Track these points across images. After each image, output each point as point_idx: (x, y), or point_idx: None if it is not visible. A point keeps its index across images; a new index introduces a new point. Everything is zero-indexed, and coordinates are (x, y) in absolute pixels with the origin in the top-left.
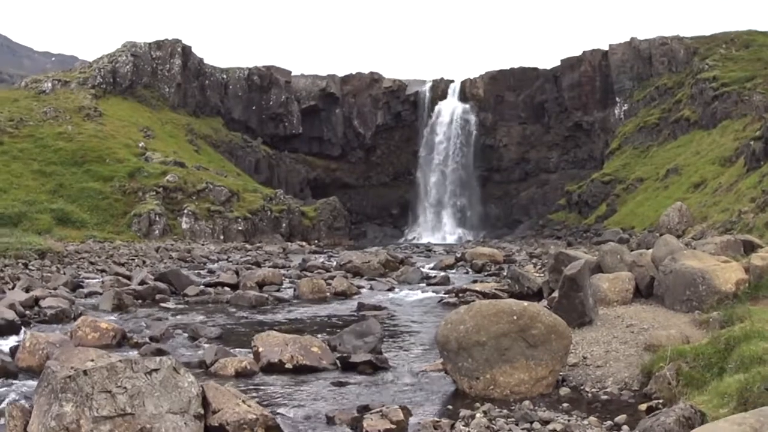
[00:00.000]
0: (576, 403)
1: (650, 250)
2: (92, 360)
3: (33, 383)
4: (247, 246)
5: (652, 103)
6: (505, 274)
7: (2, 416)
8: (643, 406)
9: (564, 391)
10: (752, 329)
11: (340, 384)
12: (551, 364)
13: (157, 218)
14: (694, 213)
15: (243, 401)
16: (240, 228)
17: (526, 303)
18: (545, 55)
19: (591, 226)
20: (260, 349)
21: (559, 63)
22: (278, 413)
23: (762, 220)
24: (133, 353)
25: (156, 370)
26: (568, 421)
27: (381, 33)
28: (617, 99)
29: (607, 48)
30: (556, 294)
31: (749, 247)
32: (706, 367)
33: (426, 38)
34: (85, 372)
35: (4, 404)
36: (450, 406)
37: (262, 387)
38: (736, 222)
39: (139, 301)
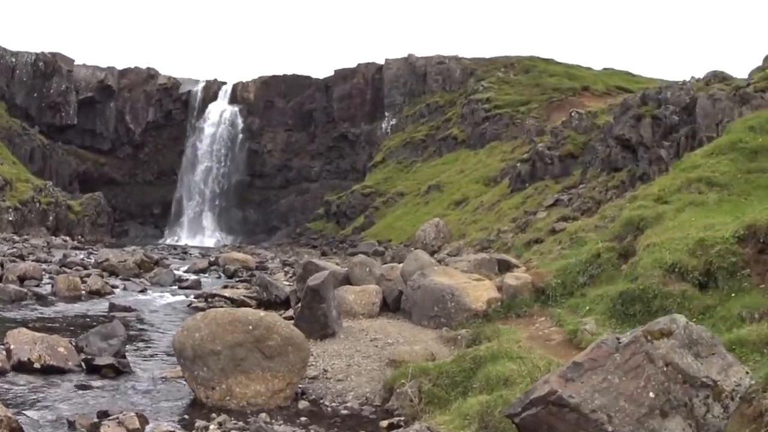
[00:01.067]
0: (315, 417)
1: (401, 264)
2: None
3: None
4: (15, 237)
5: (421, 119)
6: (255, 280)
7: None
8: (384, 423)
9: (303, 404)
10: (499, 349)
11: (84, 387)
12: (288, 376)
13: None
14: (453, 230)
15: None
16: (10, 218)
17: (263, 312)
18: (321, 66)
19: (348, 237)
20: (12, 347)
21: (332, 73)
22: (23, 414)
23: (521, 240)
24: None
25: None
26: None
27: (162, 28)
28: (386, 113)
29: (382, 62)
30: (300, 304)
31: (504, 266)
32: (450, 385)
33: (204, 38)
34: None
35: None
36: (187, 416)
37: (11, 386)
38: (495, 241)
39: None
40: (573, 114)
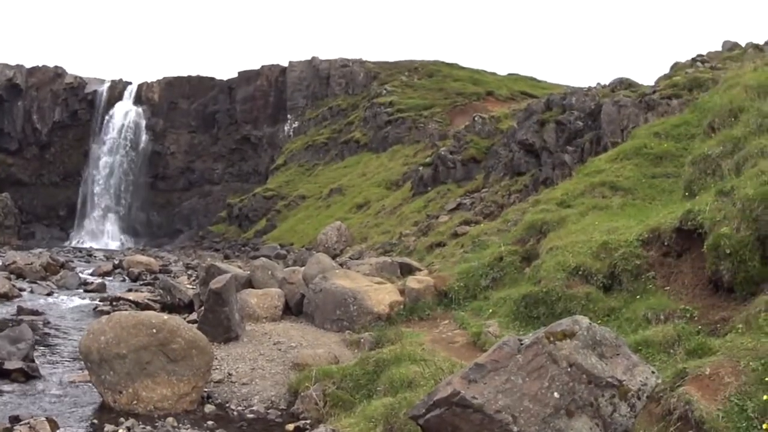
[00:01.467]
0: (222, 421)
1: (303, 268)
2: None
3: None
4: None
5: (323, 122)
6: (158, 284)
7: None
8: (290, 427)
9: (209, 408)
10: (402, 352)
11: None
12: (194, 380)
13: None
14: (355, 233)
15: None
16: None
17: (166, 316)
18: (225, 67)
19: (250, 240)
20: None
21: (236, 75)
22: None
23: (423, 244)
24: None
25: None
26: None
27: (70, 26)
28: (289, 116)
29: (286, 65)
30: (203, 308)
31: (407, 270)
32: (354, 388)
33: (112, 38)
34: None
35: None
36: (96, 420)
37: None
38: (397, 244)
39: None
40: (476, 118)
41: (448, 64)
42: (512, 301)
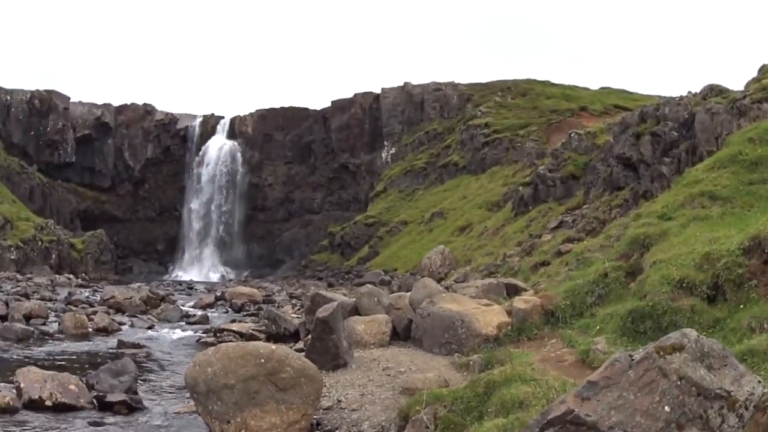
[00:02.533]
0: None
1: (409, 293)
2: None
3: None
4: (19, 276)
5: (420, 147)
6: (263, 314)
7: None
8: None
9: None
10: (513, 372)
11: (96, 424)
12: (303, 408)
13: None
14: (459, 256)
15: None
16: (12, 257)
17: (274, 346)
18: (318, 97)
19: (353, 268)
20: (22, 385)
21: (329, 104)
22: None
23: (527, 264)
24: None
25: None
26: None
27: (158, 65)
28: (385, 142)
29: (379, 91)
30: (310, 336)
31: (513, 291)
32: (464, 411)
33: (200, 73)
34: None
35: None
36: None
37: (23, 425)
38: (501, 265)
39: None
40: (572, 135)
41: (540, 82)
42: (618, 317)
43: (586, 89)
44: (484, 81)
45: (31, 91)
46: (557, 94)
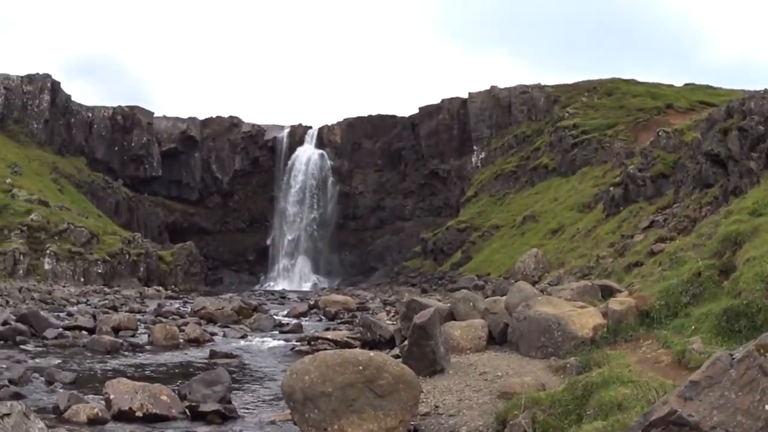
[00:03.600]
0: None
1: (504, 297)
2: None
3: None
4: (106, 289)
5: (510, 151)
6: (357, 321)
7: None
8: None
9: None
10: (611, 374)
11: None
12: (401, 414)
13: (21, 257)
14: (551, 259)
15: None
16: (99, 271)
17: (372, 353)
18: (405, 103)
19: (446, 273)
20: (111, 396)
21: (417, 111)
22: None
23: (621, 265)
24: None
25: (8, 414)
26: None
27: (243, 76)
28: (474, 147)
29: (466, 96)
30: (407, 342)
31: (607, 292)
32: (563, 414)
33: (286, 84)
34: None
35: None
36: None
37: None
38: (594, 267)
39: (0, 342)
40: (660, 133)
41: (625, 81)
42: (713, 317)
43: (671, 86)
44: (569, 82)
45: (113, 108)
46: (643, 93)
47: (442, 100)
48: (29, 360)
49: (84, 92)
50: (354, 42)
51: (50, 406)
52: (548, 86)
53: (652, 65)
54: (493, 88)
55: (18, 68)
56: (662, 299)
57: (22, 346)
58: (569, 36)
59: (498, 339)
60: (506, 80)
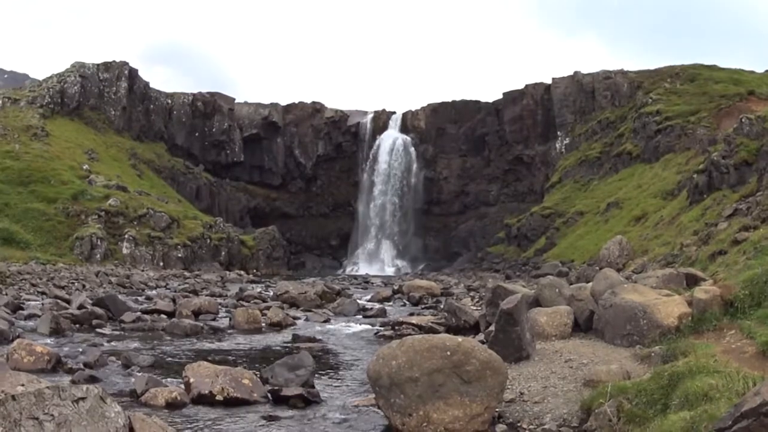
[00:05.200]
0: None
1: (590, 284)
2: (23, 385)
3: None
4: (186, 273)
5: (593, 137)
6: (442, 307)
7: None
8: None
9: (500, 428)
10: (697, 364)
11: (271, 418)
12: (486, 400)
13: (99, 242)
14: (635, 246)
15: None
16: (179, 255)
17: (460, 338)
18: (488, 89)
19: (530, 259)
20: (191, 380)
21: (501, 96)
22: None
23: (705, 253)
24: (67, 379)
25: (83, 398)
26: None
27: (325, 63)
28: (558, 133)
29: (549, 82)
30: (492, 328)
31: (692, 281)
32: (648, 403)
33: (369, 69)
34: (13, 397)
35: None
36: None
37: (191, 419)
38: (678, 255)
39: (77, 325)
40: (743, 120)
41: (707, 66)
42: None
43: (753, 72)
44: (652, 68)
45: (193, 94)
46: (725, 79)
47: (526, 86)
48: (106, 344)
49: (164, 79)
50: (439, 27)
51: (127, 390)
52: (631, 72)
53: (733, 51)
54: (576, 73)
55: (96, 58)
56: (746, 289)
57: (98, 330)
58: (650, 21)
59: (583, 326)
60: (589, 65)
